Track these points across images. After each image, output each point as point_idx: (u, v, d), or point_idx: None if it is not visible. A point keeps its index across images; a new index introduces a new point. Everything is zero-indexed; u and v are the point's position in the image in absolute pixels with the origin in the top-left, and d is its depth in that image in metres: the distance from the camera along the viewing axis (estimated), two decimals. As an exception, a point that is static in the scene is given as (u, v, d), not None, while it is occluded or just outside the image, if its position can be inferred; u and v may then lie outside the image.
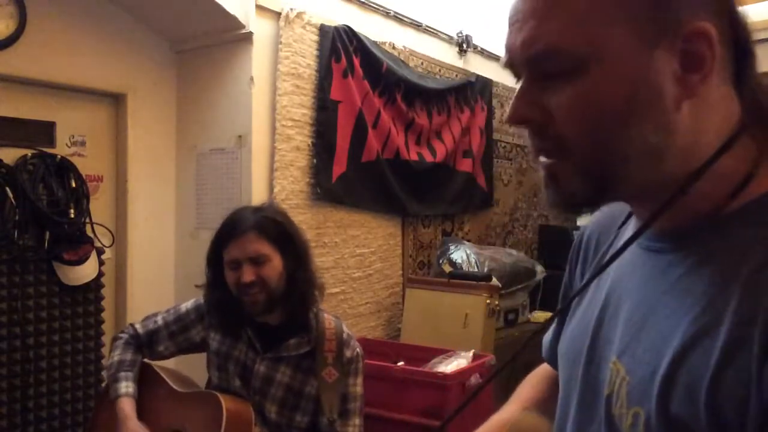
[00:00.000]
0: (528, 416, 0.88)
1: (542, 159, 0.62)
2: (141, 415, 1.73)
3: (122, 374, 1.78)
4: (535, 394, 0.93)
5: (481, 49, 4.13)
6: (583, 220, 2.39)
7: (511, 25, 0.60)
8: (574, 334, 0.73)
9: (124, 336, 1.87)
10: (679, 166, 0.59)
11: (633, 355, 0.61)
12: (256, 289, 1.68)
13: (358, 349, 1.80)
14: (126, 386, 1.76)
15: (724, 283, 0.54)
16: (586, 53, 0.56)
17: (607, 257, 0.72)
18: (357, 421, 1.76)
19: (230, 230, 1.72)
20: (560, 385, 0.76)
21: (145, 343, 1.86)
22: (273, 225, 1.73)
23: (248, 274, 1.67)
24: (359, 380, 1.78)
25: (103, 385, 1.99)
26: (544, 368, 0.96)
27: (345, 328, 1.80)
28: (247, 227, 1.70)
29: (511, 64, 0.61)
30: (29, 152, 2.47)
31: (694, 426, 0.53)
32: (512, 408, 0.92)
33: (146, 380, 1.81)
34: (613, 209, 0.75)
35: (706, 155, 0.58)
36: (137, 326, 1.89)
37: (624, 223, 0.72)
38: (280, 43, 2.83)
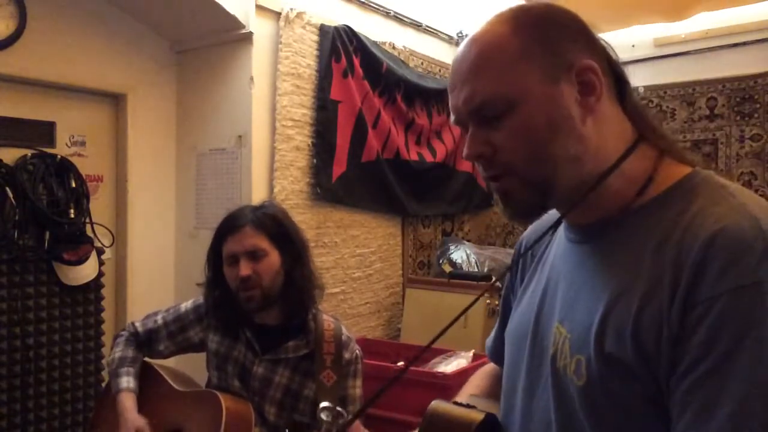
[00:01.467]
0: (474, 399, 0.97)
1: (494, 184, 0.80)
2: (141, 413, 1.73)
3: (123, 369, 1.78)
4: (479, 387, 1.07)
5: (481, 49, 4.12)
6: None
7: (451, 92, 0.80)
8: (521, 318, 0.91)
9: (125, 334, 1.88)
10: (594, 168, 0.77)
11: (572, 318, 0.78)
12: (252, 284, 1.68)
13: (357, 351, 1.79)
14: (127, 381, 1.76)
15: (636, 255, 0.73)
16: (511, 96, 0.75)
17: (543, 258, 0.91)
18: (357, 423, 1.75)
19: (229, 225, 1.73)
20: (506, 362, 0.92)
21: (145, 342, 1.86)
22: (271, 221, 1.73)
23: (245, 268, 1.67)
24: (358, 382, 1.78)
25: (104, 384, 1.99)
26: (488, 365, 1.13)
27: (344, 330, 1.79)
28: (245, 221, 1.71)
29: (458, 120, 0.81)
30: (29, 152, 2.47)
31: (624, 359, 0.69)
32: (459, 398, 1.02)
33: (147, 379, 1.81)
34: (543, 222, 0.92)
35: (612, 157, 0.78)
36: (137, 325, 1.89)
37: (554, 229, 0.89)
38: (280, 43, 2.83)
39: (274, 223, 1.73)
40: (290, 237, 1.75)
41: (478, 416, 0.87)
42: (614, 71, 0.80)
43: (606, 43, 0.81)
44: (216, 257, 1.76)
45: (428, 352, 2.85)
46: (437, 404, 0.91)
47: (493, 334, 1.10)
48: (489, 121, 0.77)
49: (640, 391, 0.69)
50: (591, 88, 0.76)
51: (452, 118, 0.82)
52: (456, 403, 0.93)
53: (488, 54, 0.78)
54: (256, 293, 1.69)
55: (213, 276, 1.77)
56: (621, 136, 0.79)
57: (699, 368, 0.65)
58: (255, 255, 1.68)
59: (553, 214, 0.85)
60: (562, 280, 0.84)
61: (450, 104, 0.82)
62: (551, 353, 0.80)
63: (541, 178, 0.77)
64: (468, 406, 0.91)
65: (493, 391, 1.01)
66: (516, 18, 0.79)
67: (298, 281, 1.72)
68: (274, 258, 1.71)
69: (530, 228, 1.01)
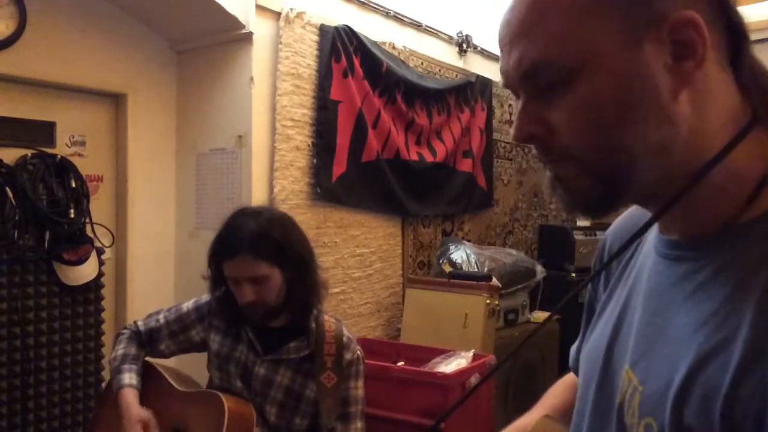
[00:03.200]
0: (547, 421, 0.88)
1: (550, 168, 0.63)
2: None
3: (126, 366, 1.78)
4: (558, 402, 0.93)
5: (481, 49, 4.13)
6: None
7: (501, 50, 0.63)
8: (594, 343, 0.73)
9: (127, 332, 1.88)
10: (689, 158, 0.58)
11: (646, 366, 0.61)
12: (256, 305, 1.68)
13: (358, 352, 1.79)
14: (129, 378, 1.75)
15: (740, 297, 0.54)
16: (572, 63, 0.57)
17: (630, 265, 0.72)
18: (358, 424, 1.75)
19: (226, 248, 1.68)
20: (578, 391, 0.76)
21: (146, 341, 1.86)
22: (269, 242, 1.67)
23: (248, 294, 1.66)
24: (360, 383, 1.77)
25: (104, 384, 1.99)
26: (570, 377, 0.96)
27: (345, 331, 1.79)
28: (243, 248, 1.65)
29: (508, 84, 0.63)
30: (29, 152, 2.47)
31: None
32: (535, 414, 0.92)
33: (148, 378, 1.81)
34: (635, 217, 0.76)
35: (714, 145, 0.57)
36: (139, 323, 1.89)
37: (646, 230, 0.70)
38: (280, 43, 2.83)
39: (272, 243, 1.67)
40: (289, 251, 1.70)
41: None
42: (728, 21, 0.59)
43: None
44: (217, 264, 1.73)
45: (427, 351, 2.85)
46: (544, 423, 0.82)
47: (576, 343, 0.89)
48: (544, 92, 0.59)
49: None
50: (690, 49, 0.56)
51: (501, 80, 0.65)
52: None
53: (544, 2, 0.59)
54: (259, 311, 1.69)
55: (215, 277, 1.76)
56: (730, 115, 0.59)
57: None
58: (256, 281, 1.67)
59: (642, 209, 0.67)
60: (643, 305, 0.66)
61: (499, 65, 0.64)
62: (618, 402, 0.64)
63: (612, 169, 0.59)
64: None
65: (568, 409, 0.86)
66: None
67: (300, 290, 1.71)
68: (275, 278, 1.68)
69: (616, 223, 0.81)
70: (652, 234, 0.68)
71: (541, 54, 0.58)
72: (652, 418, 0.58)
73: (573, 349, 0.90)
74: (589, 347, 0.75)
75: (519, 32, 0.60)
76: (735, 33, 0.59)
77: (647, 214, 0.66)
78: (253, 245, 1.65)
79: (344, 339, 1.76)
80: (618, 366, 0.66)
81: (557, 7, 0.58)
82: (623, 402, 0.62)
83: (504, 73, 0.63)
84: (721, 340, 0.54)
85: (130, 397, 1.71)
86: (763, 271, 0.53)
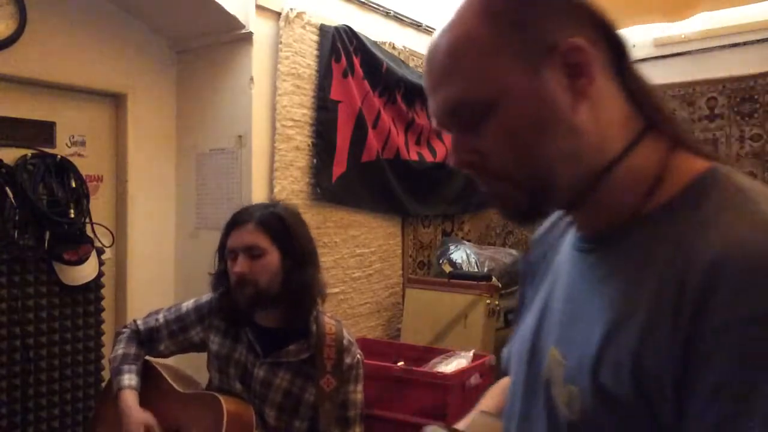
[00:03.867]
0: (483, 416, 0.95)
1: (488, 186, 0.71)
2: None
3: (125, 367, 1.77)
4: (493, 402, 1.00)
5: (481, 49, 4.12)
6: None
7: (428, 96, 0.72)
8: (522, 332, 0.82)
9: (127, 331, 1.87)
10: (596, 162, 0.67)
11: (568, 342, 0.70)
12: (246, 281, 1.66)
13: (358, 356, 1.77)
14: (129, 378, 1.75)
15: (641, 274, 0.63)
16: (487, 97, 0.66)
17: (552, 264, 0.82)
18: (357, 429, 1.75)
19: (234, 219, 1.74)
20: (511, 377, 0.84)
21: (146, 340, 1.86)
22: (276, 220, 1.71)
23: (241, 265, 1.66)
24: (359, 387, 1.77)
25: (104, 384, 1.99)
26: (505, 380, 1.02)
27: (346, 333, 1.78)
28: (249, 217, 1.71)
29: (440, 124, 0.72)
30: (29, 152, 2.47)
31: (621, 398, 0.60)
32: (472, 414, 0.98)
33: (148, 378, 1.81)
34: (553, 224, 0.86)
35: (614, 148, 0.67)
36: (139, 322, 1.89)
37: (565, 232, 0.80)
38: (280, 43, 2.83)
39: (279, 223, 1.71)
40: (295, 239, 1.72)
41: None
42: (612, 41, 0.68)
43: (596, 7, 0.69)
44: (224, 251, 1.75)
45: (427, 351, 2.85)
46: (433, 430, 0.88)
47: (507, 347, 0.98)
48: (470, 125, 0.68)
49: None
50: (581, 69, 0.65)
51: (433, 122, 0.74)
52: (449, 429, 0.90)
53: (456, 51, 0.68)
54: (249, 290, 1.67)
55: (221, 270, 1.77)
56: (625, 122, 0.68)
57: (709, 416, 0.54)
58: (253, 252, 1.67)
59: (563, 214, 0.77)
60: (562, 294, 0.75)
61: (429, 110, 0.73)
62: (545, 378, 0.72)
63: (536, 181, 0.68)
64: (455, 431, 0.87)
65: (503, 407, 0.94)
66: (484, 1, 0.68)
67: (296, 284, 1.70)
68: (273, 258, 1.69)
69: (541, 229, 0.91)
70: (571, 233, 0.78)
71: (460, 94, 0.67)
72: (573, 385, 0.66)
73: (504, 350, 0.97)
74: (518, 337, 0.84)
75: (440, 78, 0.69)
76: (618, 51, 0.69)
77: (564, 220, 0.79)
78: (261, 218, 1.71)
79: (345, 342, 1.75)
80: (545, 348, 0.74)
81: (468, 52, 0.67)
82: (550, 377, 0.71)
83: (434, 115, 0.72)
84: (627, 312, 0.62)
85: (130, 399, 1.71)
86: (660, 249, 0.62)
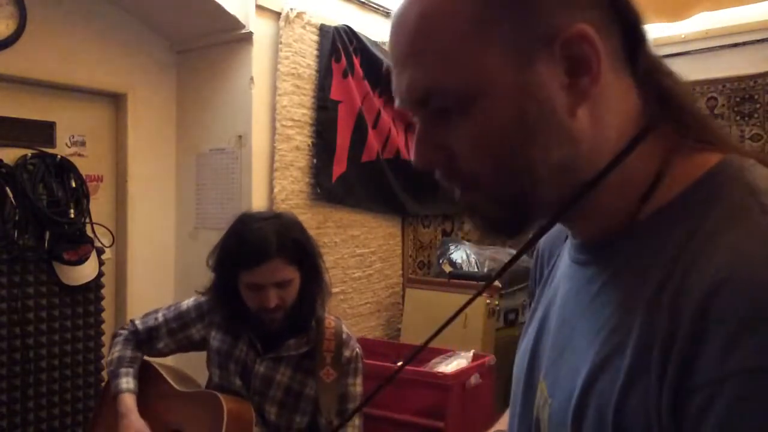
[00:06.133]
0: None
1: (458, 193, 0.60)
2: (141, 413, 1.73)
3: (123, 370, 1.77)
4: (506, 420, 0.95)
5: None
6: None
7: (393, 68, 0.58)
8: (521, 352, 0.72)
9: (124, 332, 1.87)
10: (590, 169, 0.56)
11: (554, 378, 0.60)
12: (278, 309, 1.66)
13: (357, 349, 1.79)
14: (127, 382, 1.75)
15: (632, 300, 0.52)
16: (464, 88, 0.54)
17: (553, 273, 0.72)
18: (356, 421, 1.75)
19: (254, 255, 1.63)
20: (511, 399, 0.75)
21: (145, 340, 1.85)
22: (293, 245, 1.67)
23: (273, 299, 1.64)
24: (358, 380, 1.78)
25: (103, 385, 1.99)
26: None
27: (345, 329, 1.80)
28: (273, 252, 1.62)
29: (403, 107, 0.59)
30: (29, 152, 2.47)
31: None
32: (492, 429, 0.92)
33: (147, 379, 1.81)
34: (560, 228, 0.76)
35: (615, 151, 0.56)
36: (137, 322, 1.88)
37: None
38: (280, 43, 2.83)
39: (294, 245, 1.67)
40: (308, 253, 1.71)
41: None
42: (623, 22, 0.55)
43: None
44: (228, 273, 1.69)
45: (427, 351, 2.85)
46: None
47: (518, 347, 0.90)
48: (440, 117, 0.56)
49: None
50: (584, 64, 0.53)
51: (396, 101, 0.59)
52: None
53: (430, 25, 0.54)
54: (280, 315, 1.68)
55: (223, 287, 1.72)
56: (630, 118, 0.57)
57: None
58: (282, 285, 1.66)
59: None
60: (557, 313, 0.65)
61: (392, 86, 0.59)
62: (536, 417, 0.63)
63: (515, 194, 0.56)
64: None
65: None
66: None
67: (311, 290, 1.71)
68: (297, 280, 1.69)
69: (549, 234, 0.79)
70: (570, 240, 0.67)
71: (432, 80, 0.55)
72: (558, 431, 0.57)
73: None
74: (519, 359, 0.73)
75: (408, 53, 0.56)
76: (631, 32, 0.56)
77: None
78: (281, 249, 1.63)
79: (344, 336, 1.77)
80: (537, 378, 0.65)
81: (445, 29, 0.54)
82: (539, 416, 0.62)
83: (397, 94, 0.59)
84: (613, 348, 0.52)
85: (128, 404, 1.71)
86: (652, 271, 0.51)
